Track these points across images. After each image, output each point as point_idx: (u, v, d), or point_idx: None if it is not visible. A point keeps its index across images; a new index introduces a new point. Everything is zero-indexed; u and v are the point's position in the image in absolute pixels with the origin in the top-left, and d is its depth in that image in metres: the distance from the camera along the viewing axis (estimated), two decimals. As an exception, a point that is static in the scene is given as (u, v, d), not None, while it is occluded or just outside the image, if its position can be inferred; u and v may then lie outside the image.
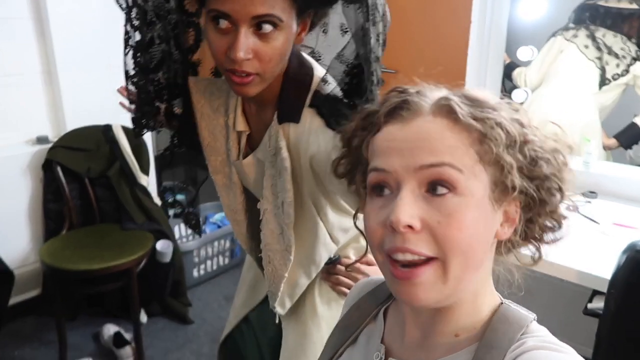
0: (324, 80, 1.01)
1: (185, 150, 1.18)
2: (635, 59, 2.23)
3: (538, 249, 0.67)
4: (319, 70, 1.05)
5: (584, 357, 0.59)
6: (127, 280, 2.42)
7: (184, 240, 3.27)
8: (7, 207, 2.60)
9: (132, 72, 1.00)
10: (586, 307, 1.62)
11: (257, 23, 0.86)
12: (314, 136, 1.00)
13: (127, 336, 2.55)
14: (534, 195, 0.60)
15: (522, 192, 0.60)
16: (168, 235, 2.73)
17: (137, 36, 0.98)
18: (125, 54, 0.99)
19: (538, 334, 0.60)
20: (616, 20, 2.25)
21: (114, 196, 2.69)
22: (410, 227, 0.56)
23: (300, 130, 1.01)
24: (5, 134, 2.64)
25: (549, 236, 0.66)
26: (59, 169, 2.58)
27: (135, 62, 0.99)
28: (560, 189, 0.62)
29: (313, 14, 0.96)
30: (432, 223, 0.57)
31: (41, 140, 2.68)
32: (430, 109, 0.61)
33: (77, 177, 2.65)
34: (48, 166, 2.61)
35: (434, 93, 0.63)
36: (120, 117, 2.77)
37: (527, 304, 0.66)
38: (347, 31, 1.00)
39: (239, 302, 1.42)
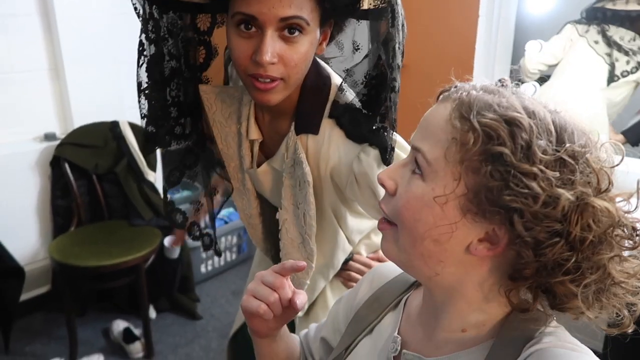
0: (340, 89, 1.00)
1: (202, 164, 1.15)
2: None
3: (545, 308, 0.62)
4: (335, 78, 1.03)
5: (594, 350, 0.58)
6: (136, 276, 2.43)
7: (192, 236, 3.27)
8: (16, 204, 2.62)
9: (144, 85, 0.97)
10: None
11: (284, 26, 0.84)
12: (334, 147, 0.99)
13: (137, 332, 2.56)
14: (509, 227, 0.56)
15: (494, 216, 0.56)
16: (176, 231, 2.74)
17: (152, 49, 0.95)
18: (140, 66, 0.96)
19: (556, 333, 0.60)
20: (624, 22, 2.24)
21: (122, 192, 2.70)
22: (385, 186, 0.65)
23: (319, 141, 1.00)
24: (13, 131, 2.65)
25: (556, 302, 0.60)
26: (66, 165, 2.59)
27: (149, 75, 0.97)
28: (557, 234, 0.54)
29: (333, 24, 0.95)
30: (396, 193, 0.64)
31: (49, 137, 2.70)
32: (454, 97, 0.62)
33: (85, 173, 2.66)
34: (56, 163, 2.62)
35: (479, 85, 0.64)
36: (127, 114, 2.79)
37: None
38: (358, 49, 1.00)
39: None
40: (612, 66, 2.26)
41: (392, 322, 0.76)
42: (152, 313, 2.79)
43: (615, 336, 0.59)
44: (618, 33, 2.25)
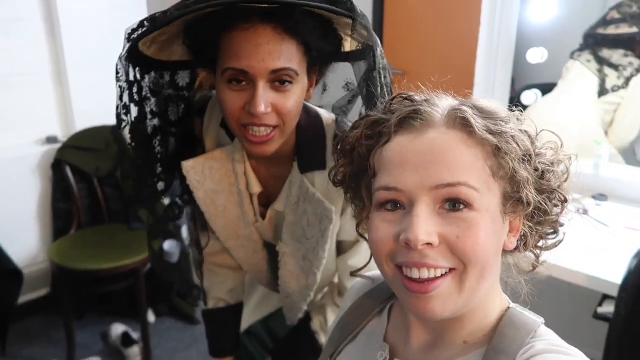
0: (337, 121, 1.02)
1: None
2: (638, 70, 2.24)
3: (537, 256, 0.68)
4: (322, 113, 1.05)
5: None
6: (135, 280, 2.43)
7: (192, 240, 3.27)
8: (17, 206, 2.62)
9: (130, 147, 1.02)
10: (596, 311, 1.61)
11: (275, 78, 0.86)
12: None
13: (135, 336, 2.55)
14: (540, 208, 0.61)
15: (531, 205, 0.60)
16: (175, 235, 2.73)
17: (135, 111, 0.98)
18: (122, 129, 0.99)
19: (547, 338, 0.60)
20: (615, 45, 2.32)
21: (122, 196, 2.70)
22: (429, 244, 0.56)
23: (327, 177, 1.02)
24: (15, 134, 2.66)
25: (546, 243, 0.67)
26: (68, 168, 2.60)
27: (132, 137, 1.00)
28: (564, 200, 0.63)
29: (318, 71, 0.97)
30: (450, 238, 0.56)
31: (51, 140, 2.70)
32: (444, 120, 0.59)
33: (86, 176, 2.67)
34: (57, 166, 2.63)
35: (444, 102, 0.62)
36: (128, 117, 2.78)
37: (536, 307, 0.65)
38: (326, 90, 1.03)
39: (247, 313, 1.41)
40: (603, 81, 2.29)
41: (377, 328, 0.74)
42: (151, 317, 2.78)
43: (615, 347, 0.59)
44: (608, 53, 2.33)
